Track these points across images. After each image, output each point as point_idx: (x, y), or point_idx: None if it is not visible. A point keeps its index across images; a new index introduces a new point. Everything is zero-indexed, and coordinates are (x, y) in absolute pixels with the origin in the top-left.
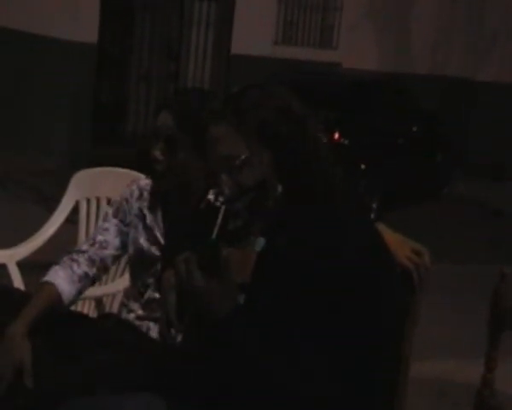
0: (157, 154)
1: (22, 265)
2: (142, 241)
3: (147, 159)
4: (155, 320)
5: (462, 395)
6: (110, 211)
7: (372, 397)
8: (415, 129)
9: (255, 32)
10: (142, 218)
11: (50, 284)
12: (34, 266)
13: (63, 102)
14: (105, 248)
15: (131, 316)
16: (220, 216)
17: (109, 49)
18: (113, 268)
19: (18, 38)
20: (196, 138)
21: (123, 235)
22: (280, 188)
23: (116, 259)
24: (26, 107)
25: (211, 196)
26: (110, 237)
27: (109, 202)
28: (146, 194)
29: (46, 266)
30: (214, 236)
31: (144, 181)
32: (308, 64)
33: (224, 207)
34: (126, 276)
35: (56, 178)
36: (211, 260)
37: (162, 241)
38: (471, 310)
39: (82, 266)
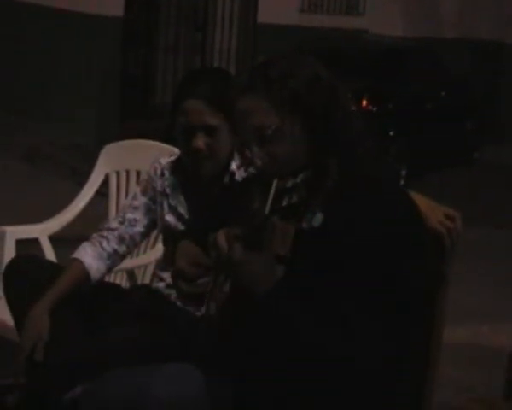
0: (200, 144)
1: (54, 239)
2: (169, 217)
3: (188, 151)
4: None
5: (496, 361)
6: (138, 190)
7: (405, 362)
8: (443, 94)
9: (281, 1)
10: (166, 196)
11: (78, 261)
12: (66, 240)
13: (90, 76)
14: (134, 225)
15: (161, 285)
16: (272, 191)
17: (135, 21)
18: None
19: (44, 13)
20: (231, 118)
21: (152, 212)
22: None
23: (145, 235)
24: (54, 81)
25: (233, 168)
26: (139, 214)
27: (138, 174)
28: (167, 173)
29: (78, 240)
30: (267, 211)
31: (165, 159)
32: (335, 31)
33: (275, 183)
34: (157, 247)
35: (85, 152)
36: (255, 234)
37: (187, 216)
38: (508, 275)
39: (111, 243)
